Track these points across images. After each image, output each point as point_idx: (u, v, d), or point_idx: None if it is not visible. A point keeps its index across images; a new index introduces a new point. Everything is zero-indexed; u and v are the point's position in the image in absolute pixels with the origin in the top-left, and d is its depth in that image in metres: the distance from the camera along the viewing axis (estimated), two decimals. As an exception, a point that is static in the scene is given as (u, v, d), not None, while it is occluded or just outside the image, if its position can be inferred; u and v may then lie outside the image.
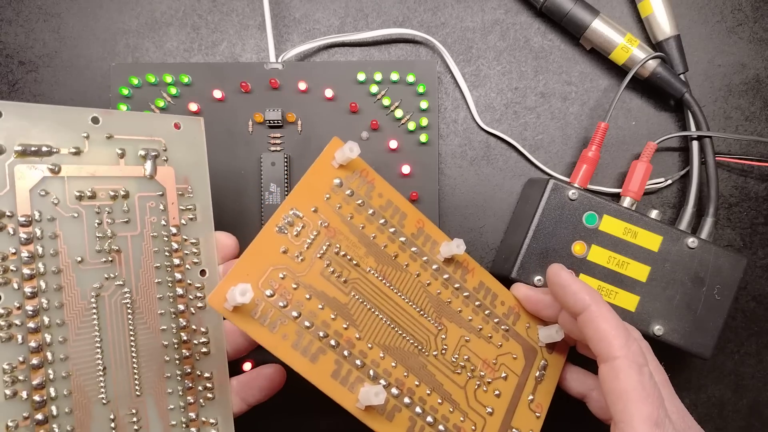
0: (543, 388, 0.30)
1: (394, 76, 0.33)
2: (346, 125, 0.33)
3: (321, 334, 0.24)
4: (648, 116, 0.35)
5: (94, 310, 0.24)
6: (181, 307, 0.26)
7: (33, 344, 0.23)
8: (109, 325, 0.24)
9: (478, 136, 0.35)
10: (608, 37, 0.33)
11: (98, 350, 0.24)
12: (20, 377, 0.22)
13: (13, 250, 0.22)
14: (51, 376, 0.23)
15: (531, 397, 0.29)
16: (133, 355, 0.25)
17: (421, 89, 0.33)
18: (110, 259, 0.24)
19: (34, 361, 0.23)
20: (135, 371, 0.25)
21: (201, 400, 0.26)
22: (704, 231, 0.33)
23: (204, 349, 0.26)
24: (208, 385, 0.26)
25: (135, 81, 0.32)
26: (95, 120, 0.24)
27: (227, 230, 0.28)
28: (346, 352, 0.24)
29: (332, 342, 0.24)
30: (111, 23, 0.34)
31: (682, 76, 0.34)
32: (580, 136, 0.35)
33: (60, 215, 0.24)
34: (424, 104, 0.33)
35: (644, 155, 0.33)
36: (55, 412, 0.23)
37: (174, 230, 0.26)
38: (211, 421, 0.26)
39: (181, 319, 0.26)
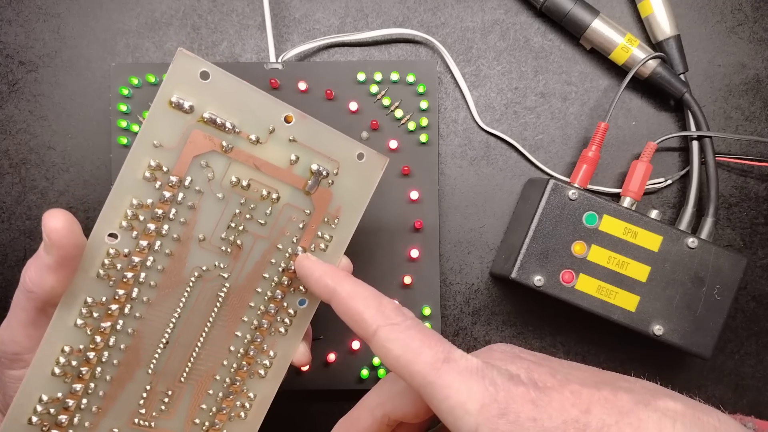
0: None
1: (394, 76, 0.33)
2: (346, 125, 0.33)
3: None
4: (648, 116, 0.35)
5: (188, 289, 0.24)
6: (265, 323, 0.25)
7: (120, 291, 0.23)
8: (193, 308, 0.24)
9: (478, 136, 0.35)
10: (608, 37, 0.33)
11: (171, 325, 0.24)
12: (94, 314, 0.23)
13: (150, 202, 0.22)
14: (118, 327, 0.23)
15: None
16: (199, 344, 0.25)
17: (421, 89, 0.33)
18: (229, 250, 0.24)
19: (112, 306, 0.23)
20: (191, 359, 0.25)
21: (232, 414, 0.26)
22: (704, 231, 0.33)
23: (261, 372, 0.26)
24: (246, 405, 0.26)
25: (135, 81, 0.32)
26: (288, 119, 0.23)
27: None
28: None
29: None
30: (111, 23, 0.34)
31: (682, 76, 0.34)
32: (580, 136, 0.35)
33: (208, 191, 0.23)
34: (424, 104, 0.33)
35: (644, 155, 0.33)
36: (104, 358, 0.23)
37: (300, 251, 0.25)
38: None
39: (257, 334, 0.25)
